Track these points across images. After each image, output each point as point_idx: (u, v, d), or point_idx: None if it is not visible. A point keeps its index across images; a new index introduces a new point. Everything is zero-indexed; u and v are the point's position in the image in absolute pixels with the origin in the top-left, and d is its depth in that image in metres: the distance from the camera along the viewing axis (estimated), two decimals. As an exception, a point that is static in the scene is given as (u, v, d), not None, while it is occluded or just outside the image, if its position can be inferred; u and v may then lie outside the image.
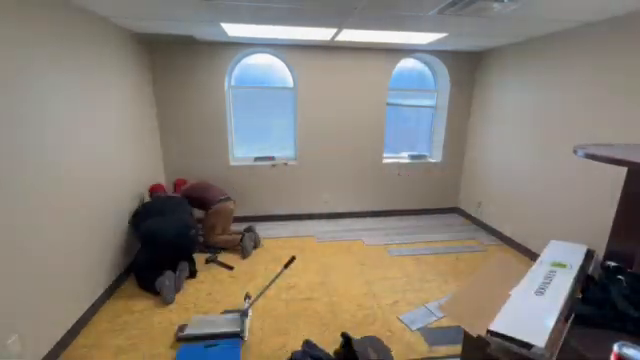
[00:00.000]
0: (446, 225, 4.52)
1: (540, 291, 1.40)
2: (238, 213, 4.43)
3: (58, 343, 2.15)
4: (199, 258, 3.39)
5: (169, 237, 2.91)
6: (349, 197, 4.68)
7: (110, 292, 2.81)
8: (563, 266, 1.58)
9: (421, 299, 2.83)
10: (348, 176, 4.59)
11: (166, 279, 2.77)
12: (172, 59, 3.85)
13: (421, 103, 4.80)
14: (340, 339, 2.08)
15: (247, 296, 2.70)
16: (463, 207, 4.84)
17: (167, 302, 2.71)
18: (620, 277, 1.31)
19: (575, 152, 1.41)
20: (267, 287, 2.41)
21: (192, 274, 3.10)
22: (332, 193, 4.63)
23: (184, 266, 3.03)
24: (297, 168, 4.44)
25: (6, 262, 1.79)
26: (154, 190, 3.56)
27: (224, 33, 3.32)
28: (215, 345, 2.22)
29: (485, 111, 4.31)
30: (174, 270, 2.93)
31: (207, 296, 2.83)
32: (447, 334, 2.40)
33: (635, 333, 1.09)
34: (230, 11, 2.59)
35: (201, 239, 3.65)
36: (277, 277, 2.41)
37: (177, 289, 2.85)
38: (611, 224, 1.62)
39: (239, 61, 4.14)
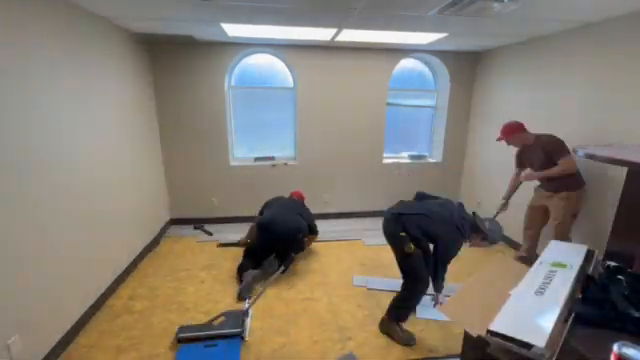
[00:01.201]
0: (446, 225, 4.51)
1: (540, 291, 1.40)
2: (238, 213, 4.44)
3: (58, 343, 2.15)
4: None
5: (279, 228, 3.03)
6: (349, 197, 4.68)
7: (110, 292, 2.82)
8: (563, 266, 1.58)
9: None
10: (348, 176, 4.59)
11: (250, 276, 2.89)
12: (172, 59, 3.85)
13: (421, 103, 4.80)
14: (339, 338, 2.07)
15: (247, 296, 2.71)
16: (463, 207, 4.83)
17: (239, 297, 2.77)
18: (620, 277, 1.31)
19: (575, 152, 1.41)
20: (265, 288, 2.43)
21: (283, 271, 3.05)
22: (332, 193, 4.63)
23: (272, 263, 3.15)
24: (297, 168, 4.44)
25: (6, 262, 1.79)
26: (292, 195, 3.74)
27: (224, 33, 3.32)
28: (215, 345, 2.22)
29: (485, 111, 4.30)
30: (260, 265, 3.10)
31: (207, 296, 2.83)
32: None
33: (635, 333, 1.09)
34: (230, 11, 2.59)
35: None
36: (274, 278, 2.43)
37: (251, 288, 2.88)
38: (611, 224, 1.62)
39: (239, 61, 4.14)
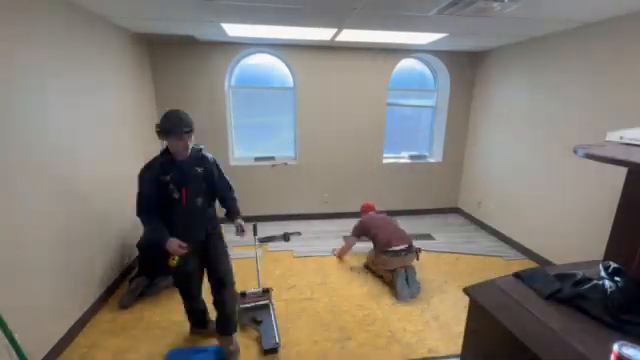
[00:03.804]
0: (446, 225, 4.52)
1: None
2: (238, 213, 4.43)
3: (58, 343, 2.15)
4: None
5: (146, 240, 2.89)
6: (349, 197, 4.67)
7: (110, 292, 2.81)
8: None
9: (421, 299, 2.83)
10: (348, 176, 4.58)
11: (135, 282, 2.76)
12: (172, 59, 3.85)
13: (421, 103, 4.79)
14: (339, 338, 2.06)
15: (244, 294, 2.71)
16: (463, 207, 4.83)
17: (121, 306, 2.64)
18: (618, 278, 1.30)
19: (575, 152, 1.41)
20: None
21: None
22: (332, 193, 4.63)
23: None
24: (297, 168, 4.44)
25: (6, 262, 1.79)
26: None
27: (224, 33, 3.31)
28: (205, 350, 2.22)
29: (485, 111, 4.30)
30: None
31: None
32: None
33: (634, 333, 1.09)
34: (230, 11, 2.59)
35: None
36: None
37: (138, 295, 2.75)
38: (611, 224, 1.62)
39: (239, 61, 4.14)
